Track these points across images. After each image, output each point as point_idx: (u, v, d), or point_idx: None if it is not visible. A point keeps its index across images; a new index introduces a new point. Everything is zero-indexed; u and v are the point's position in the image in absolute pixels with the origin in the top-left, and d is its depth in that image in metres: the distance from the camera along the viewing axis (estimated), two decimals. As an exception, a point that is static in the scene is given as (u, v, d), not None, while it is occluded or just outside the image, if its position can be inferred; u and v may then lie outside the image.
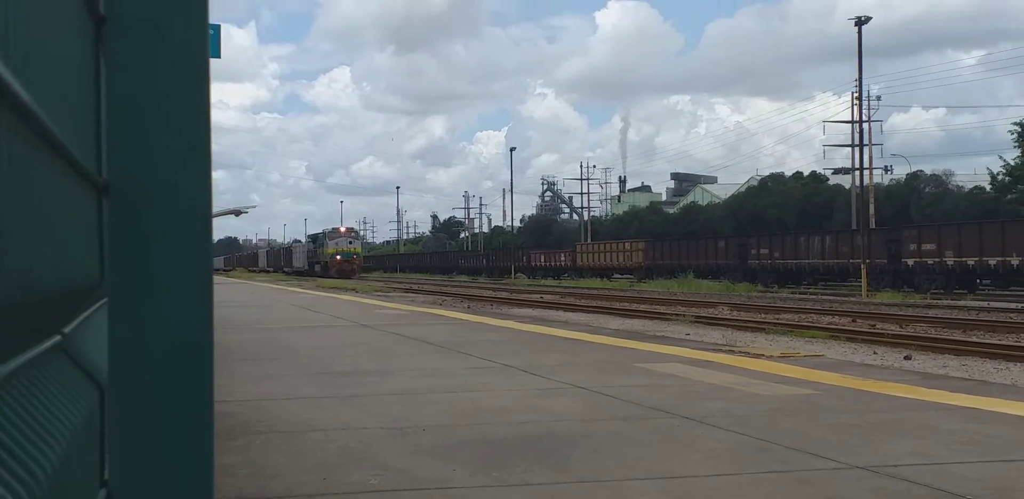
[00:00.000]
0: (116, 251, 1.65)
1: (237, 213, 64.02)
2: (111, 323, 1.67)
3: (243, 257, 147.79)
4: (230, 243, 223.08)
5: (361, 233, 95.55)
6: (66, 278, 1.51)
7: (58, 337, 1.62)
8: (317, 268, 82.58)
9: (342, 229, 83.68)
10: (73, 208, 1.58)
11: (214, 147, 1.88)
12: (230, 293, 31.73)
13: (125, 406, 1.64)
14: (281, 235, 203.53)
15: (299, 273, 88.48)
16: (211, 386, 1.79)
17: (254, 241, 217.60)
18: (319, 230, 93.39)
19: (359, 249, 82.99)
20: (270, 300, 27.60)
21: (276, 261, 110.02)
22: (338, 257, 78.10)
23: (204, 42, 1.82)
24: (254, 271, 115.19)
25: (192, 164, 1.74)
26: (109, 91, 1.69)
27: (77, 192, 1.61)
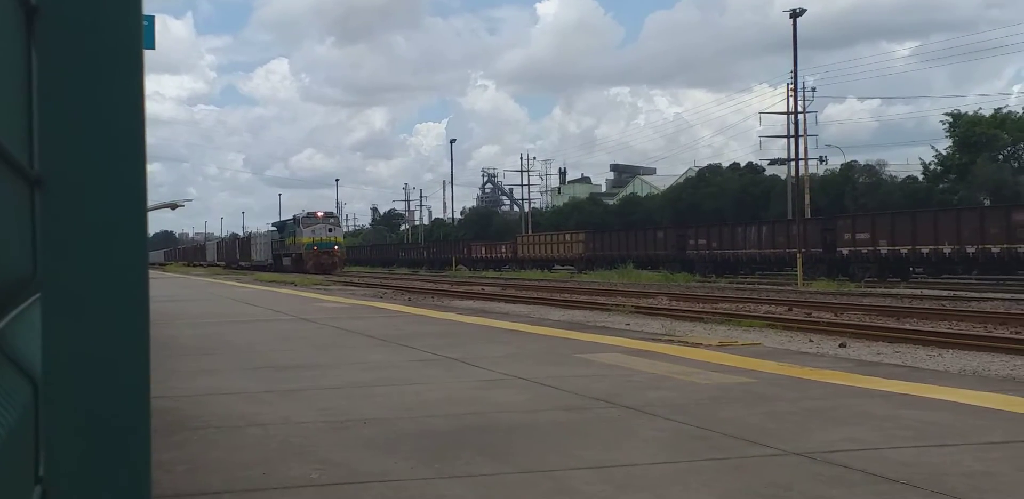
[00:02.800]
0: (49, 245, 1.63)
1: (173, 206, 63.68)
2: (44, 318, 1.65)
3: (187, 250, 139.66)
4: (166, 237, 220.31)
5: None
6: (-3, 273, 1.48)
7: (-10, 333, 1.60)
8: (286, 262, 69.79)
9: (319, 213, 68.94)
10: (4, 202, 1.56)
11: (150, 139, 1.86)
12: (165, 288, 31.32)
13: (59, 402, 1.62)
14: (218, 229, 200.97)
15: (260, 268, 74.93)
16: (148, 381, 1.77)
17: (191, 235, 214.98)
18: (289, 216, 77.93)
19: (341, 238, 69.02)
20: (207, 294, 27.29)
21: (230, 254, 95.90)
22: (315, 248, 64.99)
23: (138, 33, 1.79)
24: (200, 266, 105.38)
25: (126, 157, 1.72)
26: (40, 83, 1.67)
27: (8, 186, 1.59)
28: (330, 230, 67.03)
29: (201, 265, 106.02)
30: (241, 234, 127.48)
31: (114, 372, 1.75)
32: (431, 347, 10.30)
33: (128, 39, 1.78)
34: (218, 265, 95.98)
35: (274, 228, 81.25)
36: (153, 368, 1.86)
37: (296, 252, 67.33)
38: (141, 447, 1.75)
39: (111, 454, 1.69)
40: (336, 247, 66.48)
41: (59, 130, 1.72)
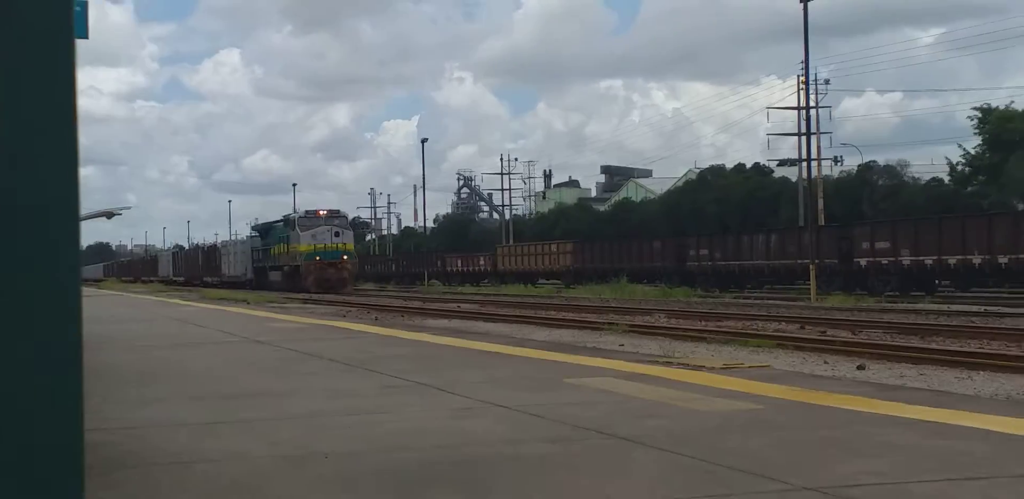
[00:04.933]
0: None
1: (109, 215, 62.49)
2: (-39, 342, 1.63)
3: (132, 264, 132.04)
4: (101, 249, 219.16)
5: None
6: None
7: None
8: (274, 277, 61.35)
9: (321, 212, 59.24)
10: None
11: (83, 140, 1.85)
12: (103, 307, 31.16)
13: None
14: (160, 240, 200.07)
15: (234, 285, 66.31)
16: (80, 412, 1.75)
17: (129, 247, 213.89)
18: (276, 217, 68.14)
19: (351, 244, 59.16)
20: (150, 314, 27.16)
21: (191, 268, 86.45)
22: (318, 259, 55.38)
23: (67, 20, 1.78)
24: (149, 282, 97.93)
25: (55, 159, 1.70)
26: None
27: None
28: (337, 234, 57.07)
29: (150, 281, 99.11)
30: (187, 245, 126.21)
31: (42, 402, 1.73)
32: (401, 372, 10.27)
33: (56, 27, 1.78)
34: (174, 281, 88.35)
35: (255, 234, 72.36)
36: (87, 397, 1.85)
37: (289, 264, 58.29)
38: (73, 487, 1.74)
39: (40, 495, 1.67)
40: (345, 257, 56.67)
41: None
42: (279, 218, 65.67)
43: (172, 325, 21.21)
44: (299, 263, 56.64)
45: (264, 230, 68.72)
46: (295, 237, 57.83)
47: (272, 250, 62.65)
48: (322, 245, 56.22)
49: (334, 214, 59.87)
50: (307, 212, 59.82)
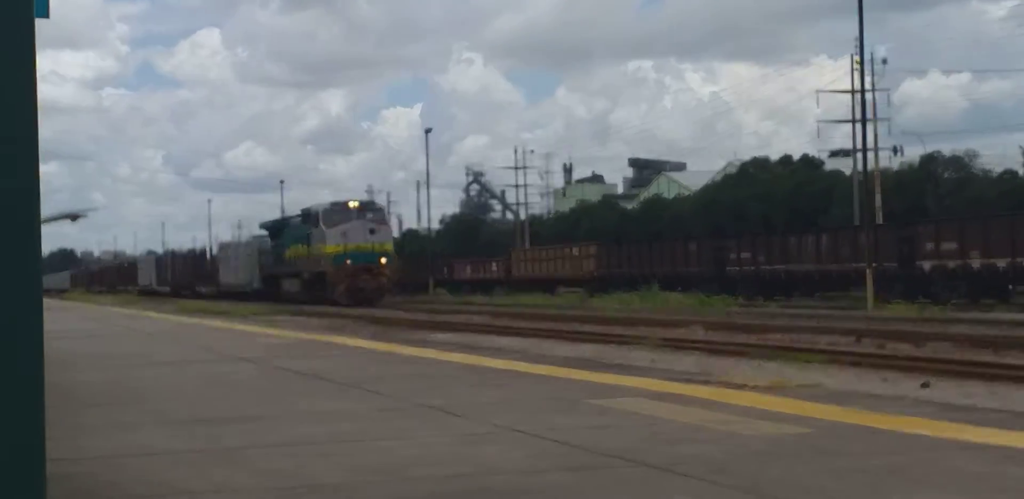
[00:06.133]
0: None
1: (74, 217, 61.83)
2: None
3: (105, 272, 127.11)
4: (65, 257, 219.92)
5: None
6: None
7: None
8: (289, 286, 56.00)
9: (352, 203, 53.39)
10: None
11: (43, 132, 1.86)
12: (65, 320, 31.28)
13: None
14: (131, 245, 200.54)
15: (237, 296, 61.90)
16: (42, 440, 1.76)
17: (96, 253, 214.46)
18: (293, 213, 61.76)
19: (389, 244, 53.38)
20: (117, 328, 27.27)
21: (180, 275, 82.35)
22: (348, 262, 49.63)
23: (25, -2, 1.79)
24: (125, 292, 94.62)
25: (11, 154, 1.71)
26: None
27: None
28: (372, 231, 51.34)
29: (127, 291, 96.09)
30: (162, 251, 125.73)
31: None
32: (403, 392, 10.29)
33: (13, 4, 1.79)
34: (157, 291, 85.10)
35: (264, 233, 66.32)
36: (52, 423, 1.86)
37: (311, 270, 52.71)
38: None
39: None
40: (384, 260, 51.15)
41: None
42: (295, 214, 60.21)
43: (146, 341, 21.27)
44: (324, 268, 50.87)
45: (276, 228, 62.10)
46: (319, 235, 51.83)
47: (287, 253, 56.88)
48: (354, 245, 50.29)
49: (368, 206, 54.69)
50: (334, 204, 53.50)
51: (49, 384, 1.88)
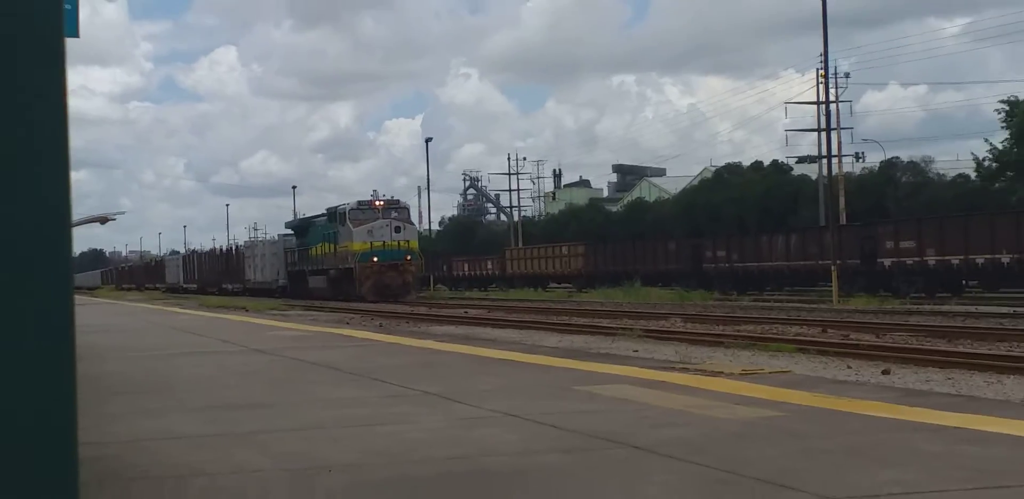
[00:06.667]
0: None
1: (103, 220, 61.73)
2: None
3: (134, 270, 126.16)
4: (95, 256, 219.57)
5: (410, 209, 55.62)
6: None
7: None
8: (316, 282, 53.95)
9: (377, 202, 51.01)
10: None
11: (75, 142, 1.85)
12: (95, 315, 31.23)
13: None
14: (156, 246, 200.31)
15: (262, 292, 60.35)
16: (75, 426, 1.76)
17: (124, 253, 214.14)
18: (318, 211, 58.98)
19: (415, 242, 51.12)
20: (142, 322, 27.22)
21: (207, 273, 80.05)
22: (374, 259, 47.73)
23: (56, 18, 1.79)
24: (154, 289, 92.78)
25: (45, 162, 1.71)
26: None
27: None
28: (398, 229, 48.98)
29: (155, 289, 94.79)
30: (184, 251, 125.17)
31: (34, 416, 1.73)
32: (406, 380, 10.27)
33: (45, 25, 1.78)
34: (184, 289, 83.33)
35: (289, 232, 64.58)
36: (81, 410, 1.85)
37: (337, 267, 50.61)
38: (66, 503, 1.74)
39: (31, 512, 1.67)
40: (409, 257, 48.98)
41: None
42: (320, 213, 57.77)
43: (167, 334, 21.25)
44: (351, 265, 48.66)
45: (301, 228, 60.28)
46: (346, 234, 49.67)
47: (312, 251, 55.03)
48: (380, 243, 48.24)
49: (393, 205, 51.53)
50: (360, 203, 50.87)
51: (79, 374, 1.87)
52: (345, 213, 50.50)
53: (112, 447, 6.81)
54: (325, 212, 56.01)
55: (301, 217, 67.09)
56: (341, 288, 49.81)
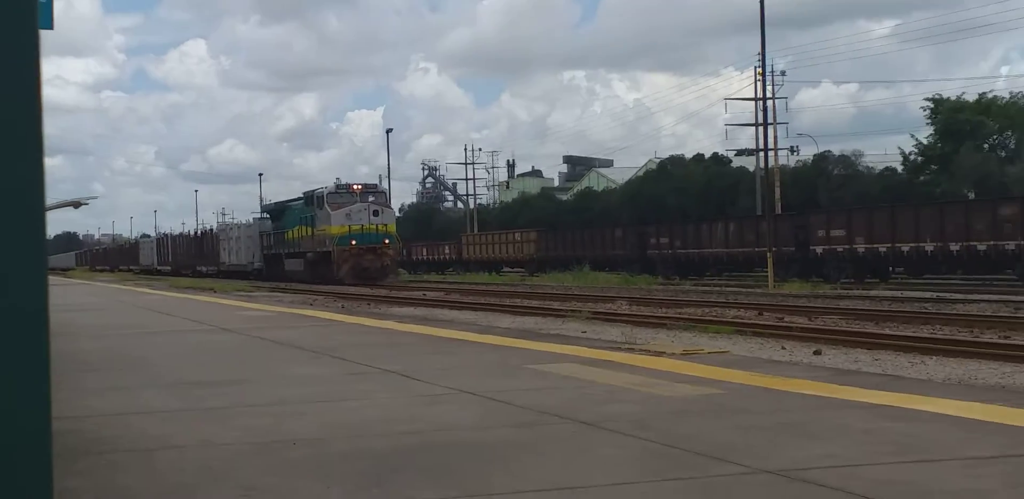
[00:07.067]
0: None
1: (76, 204, 60.99)
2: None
3: (107, 253, 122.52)
4: (69, 239, 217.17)
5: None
6: None
7: None
8: (292, 265, 51.83)
9: (356, 186, 48.93)
10: None
11: (49, 130, 1.82)
12: (67, 295, 30.90)
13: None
14: (127, 229, 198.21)
15: (238, 274, 58.76)
16: (48, 401, 1.73)
17: (97, 236, 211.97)
18: (294, 196, 56.85)
19: (392, 226, 48.43)
20: (114, 302, 26.98)
21: (182, 256, 76.63)
22: (353, 243, 45.81)
23: (32, 10, 1.75)
24: (128, 271, 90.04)
25: (20, 148, 1.68)
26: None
27: None
28: (376, 213, 46.78)
29: (128, 270, 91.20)
30: (155, 234, 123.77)
31: (9, 391, 1.70)
32: (367, 359, 10.25)
33: (20, 17, 1.75)
34: (158, 271, 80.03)
35: (264, 215, 62.28)
36: (54, 385, 1.82)
37: (315, 250, 48.49)
38: (41, 474, 1.72)
39: (7, 483, 1.65)
40: (387, 241, 46.89)
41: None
42: (297, 197, 55.21)
43: (138, 313, 21.07)
44: (329, 249, 46.55)
45: (277, 211, 57.97)
46: (323, 217, 47.38)
47: (289, 234, 52.72)
48: (358, 226, 46.03)
49: (371, 189, 49.51)
50: (338, 187, 48.52)
51: (53, 351, 1.85)
52: (323, 197, 48.21)
53: (83, 422, 6.75)
54: (302, 196, 53.56)
55: (277, 201, 64.46)
56: (318, 271, 48.11)
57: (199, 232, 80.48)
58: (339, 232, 46.09)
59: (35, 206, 1.73)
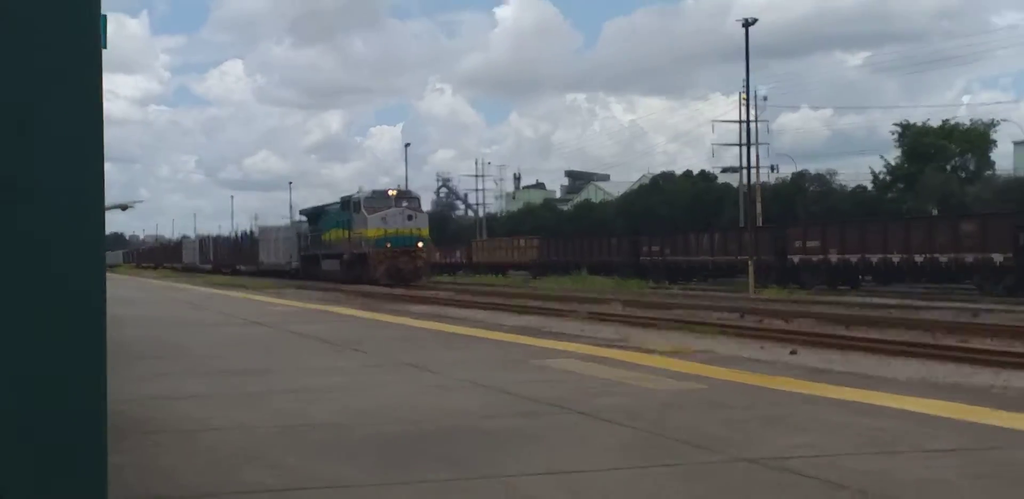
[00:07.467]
0: (5, 246, 1.59)
1: (124, 207, 60.66)
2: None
3: (153, 251, 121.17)
4: (116, 239, 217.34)
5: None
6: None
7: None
8: (328, 266, 49.76)
9: (391, 191, 47.15)
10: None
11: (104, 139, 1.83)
12: (114, 289, 30.93)
13: (16, 406, 1.58)
14: (170, 231, 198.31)
15: (276, 273, 56.28)
16: (104, 385, 1.73)
17: (141, 237, 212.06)
18: (332, 200, 54.04)
19: (425, 230, 46.50)
20: (157, 297, 27.00)
21: (223, 255, 74.54)
22: (388, 245, 43.99)
23: (95, 32, 1.76)
24: (171, 268, 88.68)
25: (84, 155, 1.68)
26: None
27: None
28: (409, 217, 45.00)
29: (174, 268, 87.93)
30: (194, 235, 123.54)
31: (70, 376, 1.71)
32: (384, 352, 10.25)
33: (85, 38, 1.75)
34: (200, 269, 77.33)
35: (302, 218, 60.04)
36: (108, 371, 1.82)
37: (352, 251, 46.54)
38: (97, 451, 1.72)
39: (68, 458, 1.65)
40: (420, 244, 45.15)
41: (17, 130, 1.68)
42: (334, 201, 53.01)
43: (178, 307, 21.09)
44: (365, 250, 44.65)
45: (314, 214, 55.89)
46: (360, 221, 45.47)
47: (325, 236, 50.76)
48: (394, 230, 44.15)
49: (405, 195, 47.52)
50: (374, 192, 46.80)
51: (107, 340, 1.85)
52: (360, 201, 46.22)
53: (128, 404, 6.75)
54: (339, 200, 51.35)
55: (314, 205, 62.10)
56: (354, 271, 46.23)
57: (239, 233, 79.39)
58: (375, 235, 44.46)
59: (96, 207, 1.73)
